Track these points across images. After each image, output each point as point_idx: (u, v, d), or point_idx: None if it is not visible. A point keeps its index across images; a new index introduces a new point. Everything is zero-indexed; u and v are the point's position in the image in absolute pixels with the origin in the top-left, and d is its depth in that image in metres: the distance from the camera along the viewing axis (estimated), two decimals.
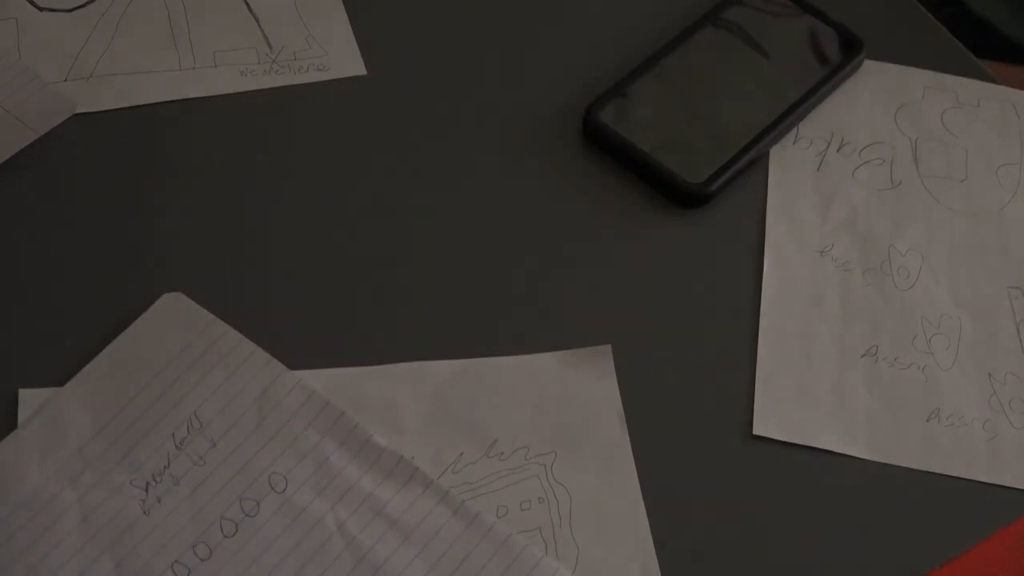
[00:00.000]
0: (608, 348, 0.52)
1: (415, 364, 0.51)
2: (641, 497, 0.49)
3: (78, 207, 0.54)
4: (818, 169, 0.60)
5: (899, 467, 0.51)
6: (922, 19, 0.66)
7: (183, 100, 0.58)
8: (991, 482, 0.51)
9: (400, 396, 0.50)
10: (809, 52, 0.62)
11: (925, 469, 0.51)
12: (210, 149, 0.57)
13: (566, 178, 0.58)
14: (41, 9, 0.60)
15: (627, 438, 0.50)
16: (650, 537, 0.48)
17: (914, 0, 0.67)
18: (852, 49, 0.62)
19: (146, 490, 0.46)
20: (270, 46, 0.61)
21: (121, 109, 0.57)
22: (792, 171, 0.59)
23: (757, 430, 0.51)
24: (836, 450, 0.51)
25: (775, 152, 0.60)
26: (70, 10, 0.61)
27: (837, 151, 0.60)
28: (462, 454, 0.49)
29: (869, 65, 0.63)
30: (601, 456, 0.49)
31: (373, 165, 0.57)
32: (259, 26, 0.61)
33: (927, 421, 0.52)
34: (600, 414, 0.50)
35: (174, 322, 0.50)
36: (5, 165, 0.54)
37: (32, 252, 0.53)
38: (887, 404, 0.53)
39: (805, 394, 0.52)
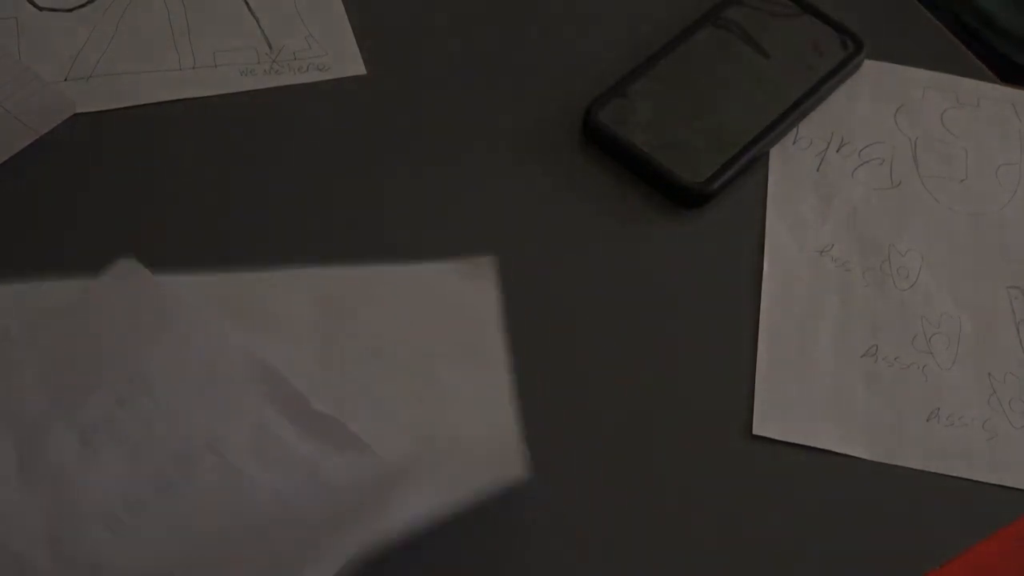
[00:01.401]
0: (491, 260, 0.53)
1: (305, 269, 0.53)
2: (510, 394, 0.50)
3: (78, 207, 0.54)
4: (818, 169, 0.60)
5: (899, 467, 0.51)
6: (922, 19, 0.66)
7: (183, 100, 0.58)
8: (991, 482, 0.51)
9: (287, 298, 0.51)
10: (809, 52, 0.62)
11: (925, 469, 0.51)
12: (210, 149, 0.57)
13: (566, 178, 0.58)
14: (41, 9, 0.60)
15: (503, 343, 0.51)
16: (516, 429, 0.49)
17: (914, 0, 0.67)
18: (852, 49, 0.62)
19: (84, 444, 0.47)
20: (270, 46, 0.61)
21: (121, 109, 0.58)
22: (792, 171, 0.59)
23: (757, 430, 0.51)
24: (836, 450, 0.51)
25: (775, 152, 0.60)
26: (70, 10, 0.61)
27: (837, 151, 0.60)
28: (344, 350, 0.50)
29: (869, 65, 0.63)
30: (476, 356, 0.51)
31: (372, 165, 0.57)
32: (259, 26, 0.61)
33: (927, 421, 0.52)
34: (480, 321, 0.52)
35: (127, 286, 0.51)
36: (5, 165, 0.55)
37: (31, 253, 0.53)
38: (887, 404, 0.53)
39: (805, 394, 0.52)
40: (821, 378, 0.53)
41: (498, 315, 0.52)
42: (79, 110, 0.57)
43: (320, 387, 0.49)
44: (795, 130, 0.60)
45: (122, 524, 0.45)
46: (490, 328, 0.52)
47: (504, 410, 0.49)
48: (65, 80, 0.58)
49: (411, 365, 0.50)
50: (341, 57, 0.61)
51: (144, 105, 0.58)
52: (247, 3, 0.62)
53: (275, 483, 0.47)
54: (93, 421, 0.47)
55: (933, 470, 0.51)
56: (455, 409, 0.50)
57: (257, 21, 0.62)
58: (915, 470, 0.51)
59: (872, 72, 0.63)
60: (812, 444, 0.51)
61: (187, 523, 0.46)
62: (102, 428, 0.47)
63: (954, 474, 0.51)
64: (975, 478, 0.51)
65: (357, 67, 0.60)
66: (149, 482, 0.46)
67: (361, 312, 0.52)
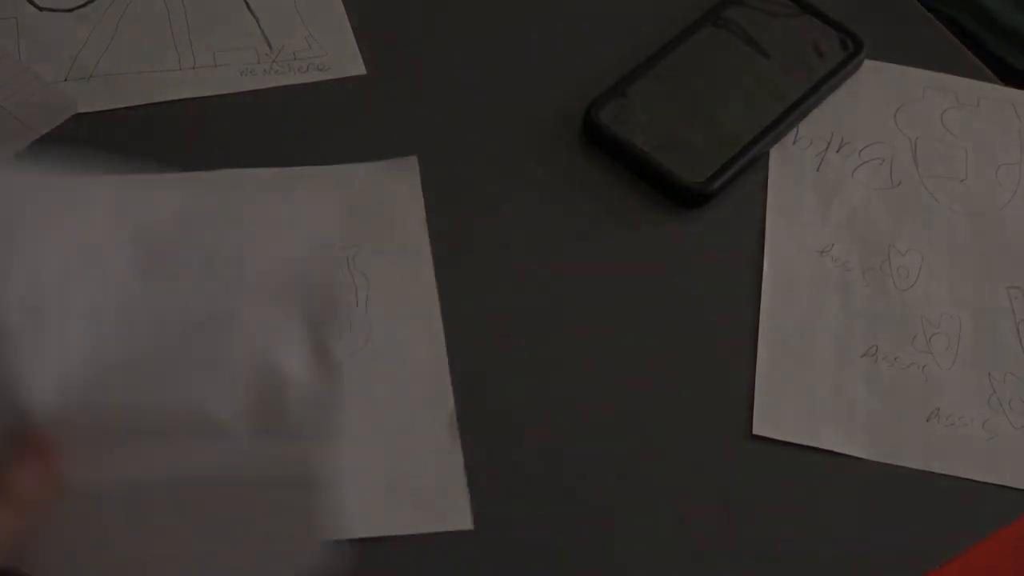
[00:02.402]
0: (414, 159, 0.56)
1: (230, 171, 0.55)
2: (435, 281, 0.53)
3: None
4: (818, 169, 0.60)
5: (899, 467, 0.51)
6: (922, 19, 0.66)
7: (183, 100, 0.58)
8: (991, 482, 0.51)
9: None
10: (809, 52, 0.62)
11: (925, 469, 0.51)
12: (210, 149, 0.57)
13: (566, 178, 0.58)
14: (41, 9, 0.60)
15: (427, 238, 0.54)
16: (440, 315, 0.52)
17: (914, 0, 0.67)
18: (852, 49, 0.62)
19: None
20: (270, 46, 0.61)
21: (121, 109, 0.58)
22: (792, 171, 0.59)
23: (757, 430, 0.51)
24: (836, 450, 0.51)
25: (775, 152, 0.60)
26: (70, 10, 0.61)
27: (837, 151, 0.60)
28: None
29: (869, 65, 0.63)
30: (401, 251, 0.54)
31: None
32: (259, 26, 0.61)
33: (927, 421, 0.52)
34: (404, 217, 0.55)
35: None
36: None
37: None
38: (887, 404, 0.53)
39: (805, 394, 0.52)
40: (821, 378, 0.53)
41: (421, 208, 0.55)
42: (79, 110, 0.57)
43: None
44: (795, 130, 0.60)
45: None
46: (413, 221, 0.55)
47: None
48: (65, 80, 0.58)
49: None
50: (341, 57, 0.61)
51: (144, 105, 0.58)
52: (247, 3, 0.62)
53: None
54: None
55: (933, 470, 0.51)
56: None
57: (257, 21, 0.62)
58: (915, 470, 0.51)
59: (872, 72, 0.63)
60: (812, 444, 0.51)
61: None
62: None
63: (954, 474, 0.51)
64: (975, 478, 0.51)
65: (357, 67, 0.60)
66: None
67: None
